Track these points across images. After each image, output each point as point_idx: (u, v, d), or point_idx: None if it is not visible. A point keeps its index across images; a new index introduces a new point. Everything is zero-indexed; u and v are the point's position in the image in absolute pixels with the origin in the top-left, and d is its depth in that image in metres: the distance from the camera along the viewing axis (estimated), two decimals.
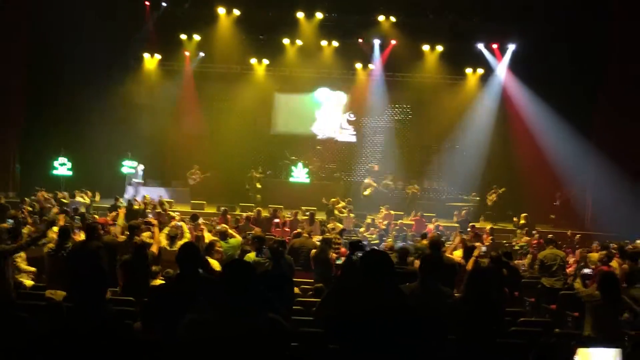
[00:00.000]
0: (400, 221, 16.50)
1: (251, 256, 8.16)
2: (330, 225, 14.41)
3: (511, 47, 20.47)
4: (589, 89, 17.94)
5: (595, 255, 10.22)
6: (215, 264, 6.58)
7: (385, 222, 16.08)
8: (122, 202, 16.00)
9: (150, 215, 13.63)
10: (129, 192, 18.99)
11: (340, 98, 22.73)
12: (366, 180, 20.62)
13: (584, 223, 18.15)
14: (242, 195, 19.66)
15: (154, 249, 7.32)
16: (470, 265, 7.75)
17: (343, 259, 8.35)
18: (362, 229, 15.91)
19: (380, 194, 20.10)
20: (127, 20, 19.45)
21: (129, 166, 19.68)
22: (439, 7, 19.38)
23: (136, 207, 15.07)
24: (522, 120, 19.48)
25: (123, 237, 8.53)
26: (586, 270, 8.85)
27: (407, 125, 22.84)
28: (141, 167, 19.68)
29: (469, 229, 14.06)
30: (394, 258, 7.59)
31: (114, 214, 11.64)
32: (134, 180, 19.41)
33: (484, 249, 10.57)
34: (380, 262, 3.52)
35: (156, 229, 8.05)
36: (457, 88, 21.47)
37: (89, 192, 17.06)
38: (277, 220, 15.19)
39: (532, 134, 18.90)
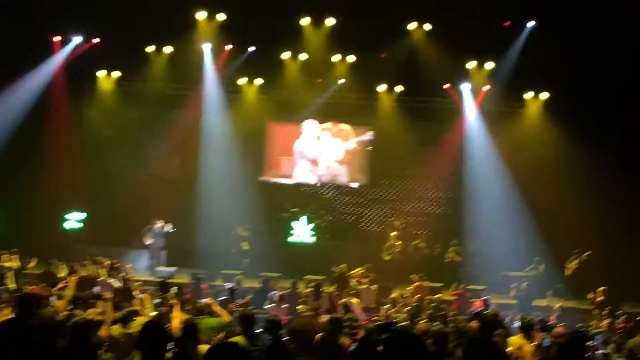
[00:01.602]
0: (438, 296, 16.40)
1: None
2: (342, 302, 14.35)
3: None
4: None
5: None
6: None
7: (417, 297, 15.95)
8: (63, 267, 15.96)
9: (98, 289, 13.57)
10: (146, 262, 19.11)
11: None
12: (388, 242, 20.69)
13: None
14: (226, 259, 19.69)
15: (104, 331, 7.25)
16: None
17: None
18: (386, 306, 15.81)
19: (409, 259, 20.13)
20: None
21: (76, 220, 19.83)
22: (486, 10, 19.52)
23: (84, 273, 15.05)
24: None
25: (66, 312, 8.50)
26: None
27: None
28: (167, 226, 20.02)
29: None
30: (429, 345, 7.54)
31: (61, 284, 11.63)
32: (153, 243, 19.75)
33: (547, 340, 10.43)
34: (411, 349, 3.53)
35: (108, 304, 8.02)
36: (513, 118, 21.72)
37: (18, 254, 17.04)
38: (272, 293, 15.12)
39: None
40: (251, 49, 21.34)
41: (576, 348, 8.02)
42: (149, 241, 20.30)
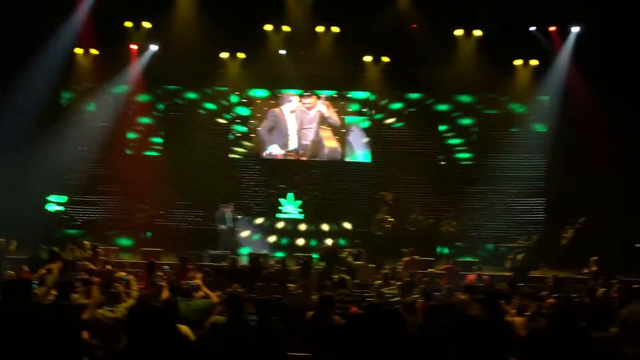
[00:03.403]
0: (429, 269, 16.56)
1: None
2: (335, 277, 14.45)
3: (574, 30, 20.78)
4: None
5: None
6: (187, 332, 6.63)
7: (409, 272, 16.09)
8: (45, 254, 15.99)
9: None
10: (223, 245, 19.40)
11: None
12: (379, 216, 20.80)
13: None
14: (212, 239, 19.81)
15: (88, 313, 7.31)
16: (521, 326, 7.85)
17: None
18: (377, 281, 15.95)
19: (400, 233, 20.29)
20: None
21: (56, 202, 19.87)
22: None
23: (68, 257, 15.11)
24: (595, 127, 19.68)
25: (50, 298, 8.56)
26: None
27: (434, 138, 23.15)
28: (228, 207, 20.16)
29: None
30: (417, 320, 7.67)
31: (43, 270, 11.64)
32: (225, 226, 19.90)
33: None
34: (392, 325, 3.60)
35: (95, 287, 8.09)
36: (503, 85, 21.79)
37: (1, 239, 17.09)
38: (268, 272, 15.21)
39: (611, 144, 19.18)
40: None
41: (567, 319, 8.18)
42: (221, 226, 20.35)
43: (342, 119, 22.84)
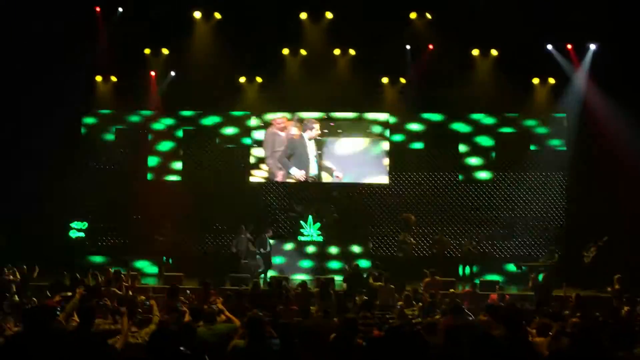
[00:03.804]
0: (451, 290, 16.50)
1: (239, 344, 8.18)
2: (358, 299, 14.43)
3: (592, 48, 20.80)
4: None
5: None
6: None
7: (430, 293, 16.00)
8: (67, 280, 16.08)
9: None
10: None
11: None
12: (400, 237, 20.82)
13: None
14: (233, 263, 19.84)
15: (120, 342, 7.36)
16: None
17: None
18: (399, 303, 15.90)
19: (421, 254, 20.32)
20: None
21: (77, 229, 20.06)
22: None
23: (90, 283, 15.21)
24: (615, 143, 19.64)
25: (73, 325, 8.60)
26: None
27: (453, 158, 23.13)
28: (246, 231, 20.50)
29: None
30: (439, 340, 7.65)
31: (58, 297, 11.66)
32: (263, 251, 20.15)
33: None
34: (413, 347, 3.64)
35: (124, 317, 8.15)
36: (521, 104, 21.82)
37: (23, 267, 17.18)
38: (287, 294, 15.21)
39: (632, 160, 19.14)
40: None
41: (591, 338, 8.13)
42: (261, 249, 20.48)
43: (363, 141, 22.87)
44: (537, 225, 21.93)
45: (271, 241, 20.54)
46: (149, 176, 22.87)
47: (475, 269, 20.47)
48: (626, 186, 19.15)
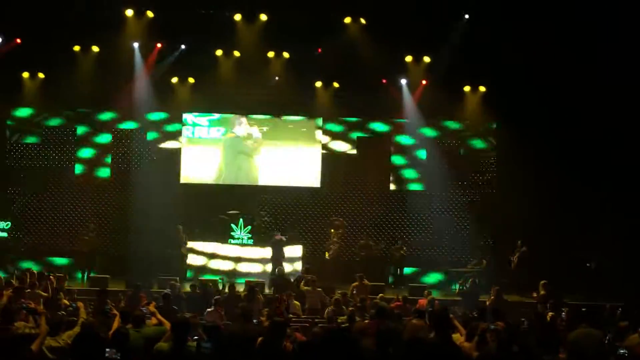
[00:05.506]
0: (380, 295, 16.52)
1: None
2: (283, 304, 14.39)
3: None
4: None
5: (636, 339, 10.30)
6: None
7: (360, 297, 16.02)
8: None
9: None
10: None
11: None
12: (328, 240, 20.93)
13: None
14: (162, 264, 19.54)
15: (36, 345, 7.16)
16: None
17: None
18: (329, 307, 15.90)
19: (350, 258, 20.43)
20: None
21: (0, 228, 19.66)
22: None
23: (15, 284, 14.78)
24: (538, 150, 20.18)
25: None
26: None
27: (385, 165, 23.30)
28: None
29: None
30: (370, 344, 7.66)
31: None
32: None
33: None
34: (347, 349, 3.61)
35: (42, 319, 7.95)
36: (452, 111, 22.27)
37: None
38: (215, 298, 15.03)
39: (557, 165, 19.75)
40: (183, 46, 21.25)
41: (518, 343, 8.28)
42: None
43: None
44: (466, 232, 22.19)
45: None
46: (76, 173, 22.36)
47: (405, 272, 20.70)
48: (549, 189, 19.70)
